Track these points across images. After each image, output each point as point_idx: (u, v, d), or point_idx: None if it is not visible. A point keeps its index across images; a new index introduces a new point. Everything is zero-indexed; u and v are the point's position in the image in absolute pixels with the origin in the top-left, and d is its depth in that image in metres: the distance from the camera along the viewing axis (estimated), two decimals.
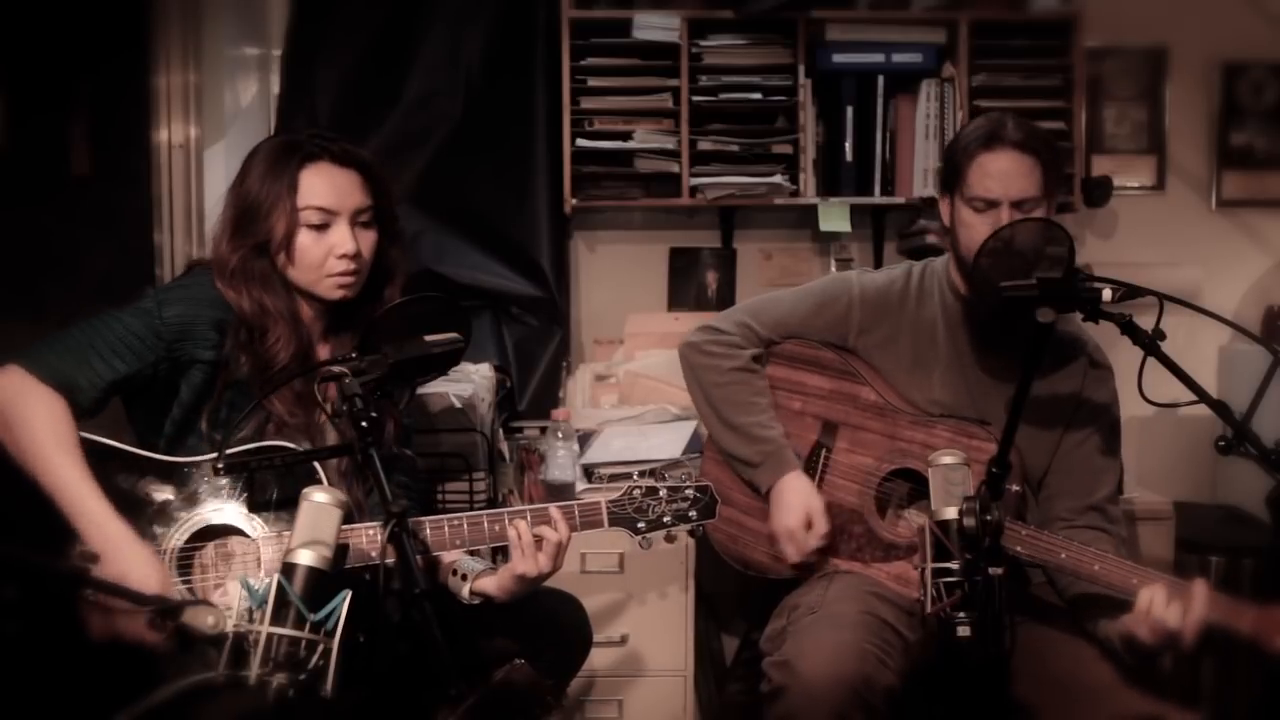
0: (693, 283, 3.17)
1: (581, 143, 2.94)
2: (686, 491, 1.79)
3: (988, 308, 1.92)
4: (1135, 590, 1.63)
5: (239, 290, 1.73)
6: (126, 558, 1.54)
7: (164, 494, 1.64)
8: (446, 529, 1.70)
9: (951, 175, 1.93)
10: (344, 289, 1.77)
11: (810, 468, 2.03)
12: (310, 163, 1.75)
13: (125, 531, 1.56)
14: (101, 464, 1.60)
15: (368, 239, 1.79)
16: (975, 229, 1.86)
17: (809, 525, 1.95)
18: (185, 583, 1.62)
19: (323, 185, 1.75)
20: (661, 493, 1.78)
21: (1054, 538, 1.73)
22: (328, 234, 1.75)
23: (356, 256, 1.76)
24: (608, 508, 1.77)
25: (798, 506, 1.95)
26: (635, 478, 1.83)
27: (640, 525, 1.77)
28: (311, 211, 1.73)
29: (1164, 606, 1.58)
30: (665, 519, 1.78)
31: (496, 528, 1.72)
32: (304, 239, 1.74)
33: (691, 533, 1.81)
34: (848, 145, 2.97)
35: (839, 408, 2.03)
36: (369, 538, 1.63)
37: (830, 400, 2.04)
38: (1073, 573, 1.72)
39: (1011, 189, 1.85)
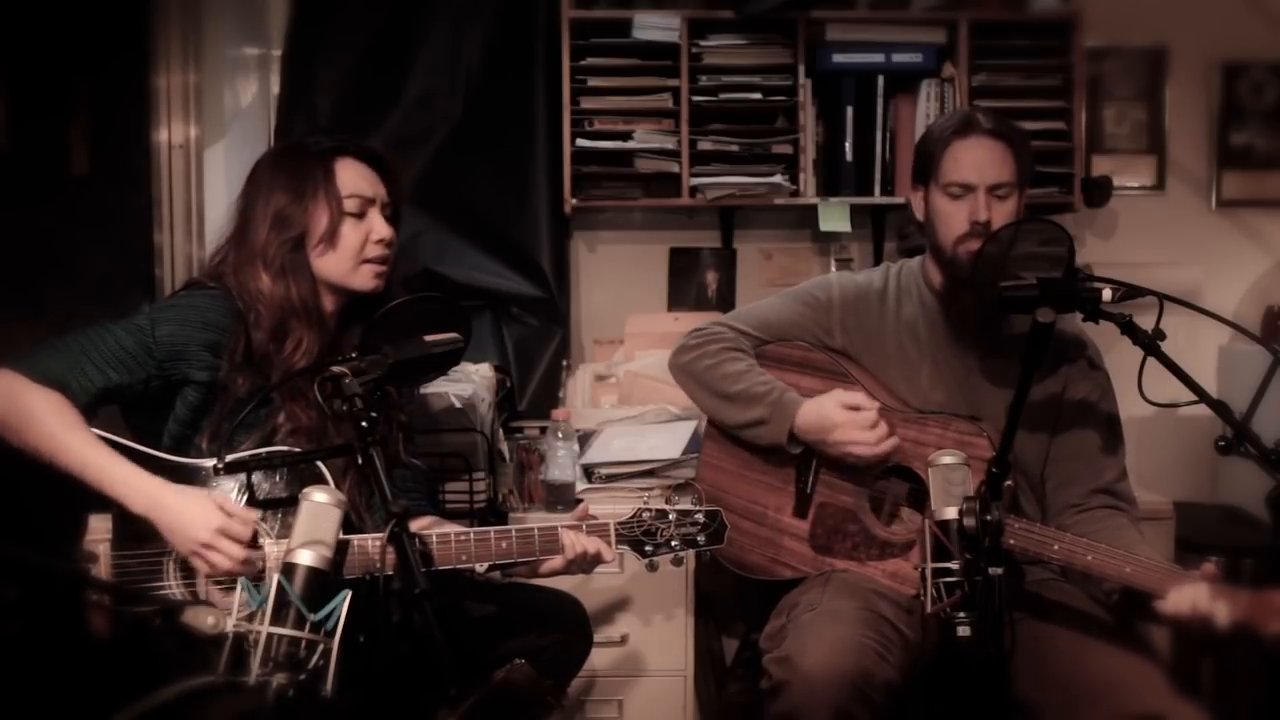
0: (693, 283, 3.17)
1: (581, 143, 2.94)
2: (696, 516, 1.79)
3: (965, 300, 1.93)
4: (1130, 579, 1.64)
5: (280, 281, 1.74)
6: (175, 507, 1.56)
7: None
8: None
9: (925, 166, 1.95)
10: (379, 278, 1.81)
11: (804, 469, 2.02)
12: (340, 156, 1.80)
13: (162, 484, 1.57)
14: None
15: (393, 231, 1.84)
16: (952, 216, 1.90)
17: (857, 410, 1.90)
18: (188, 585, 1.61)
19: (356, 175, 1.81)
20: (671, 516, 1.78)
21: (1046, 531, 1.72)
22: (364, 222, 1.80)
23: (391, 244, 1.81)
24: (616, 529, 1.77)
25: (832, 412, 1.91)
26: (645, 500, 1.80)
27: (648, 548, 1.77)
28: (353, 199, 1.79)
29: (1209, 603, 1.56)
30: (673, 543, 1.78)
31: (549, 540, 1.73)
32: (345, 226, 1.78)
33: (699, 557, 1.80)
34: (848, 145, 2.97)
35: None
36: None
37: None
38: (1065, 565, 1.72)
39: (987, 174, 1.87)
